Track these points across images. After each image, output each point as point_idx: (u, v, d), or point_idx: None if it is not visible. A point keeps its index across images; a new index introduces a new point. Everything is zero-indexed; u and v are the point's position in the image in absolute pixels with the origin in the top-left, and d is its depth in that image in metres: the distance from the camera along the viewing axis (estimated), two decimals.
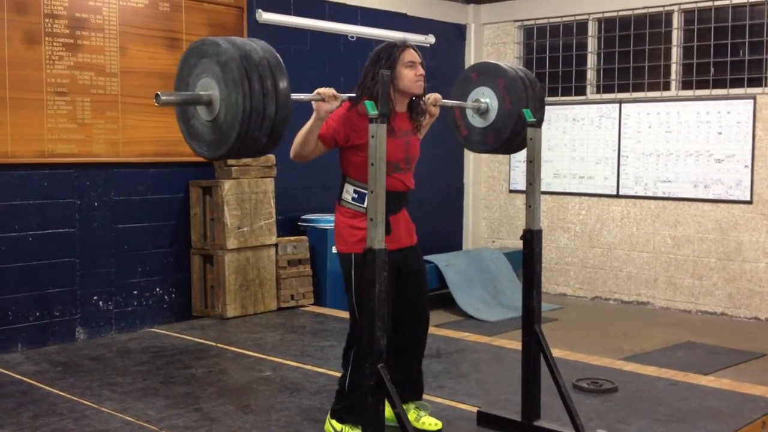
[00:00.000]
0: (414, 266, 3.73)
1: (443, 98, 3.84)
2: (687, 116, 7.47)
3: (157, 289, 6.23)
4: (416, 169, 3.76)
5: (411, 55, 3.57)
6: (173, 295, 6.33)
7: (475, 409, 4.07)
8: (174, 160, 6.23)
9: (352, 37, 7.42)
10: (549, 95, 8.23)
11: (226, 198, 6.21)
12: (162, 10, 6.09)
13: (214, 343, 5.57)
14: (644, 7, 7.69)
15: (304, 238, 6.84)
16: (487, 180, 8.96)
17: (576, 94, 8.24)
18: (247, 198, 6.35)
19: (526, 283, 3.80)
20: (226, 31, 6.30)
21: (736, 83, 7.23)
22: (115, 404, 4.25)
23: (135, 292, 6.08)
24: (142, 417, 4.06)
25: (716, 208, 7.34)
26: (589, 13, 8.09)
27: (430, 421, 3.84)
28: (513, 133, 3.91)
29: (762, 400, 4.34)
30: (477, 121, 4.01)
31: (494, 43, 8.79)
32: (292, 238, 6.78)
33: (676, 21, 7.56)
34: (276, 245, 6.58)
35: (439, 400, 4.24)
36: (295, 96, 2.99)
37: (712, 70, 7.36)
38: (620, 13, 7.88)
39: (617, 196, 7.95)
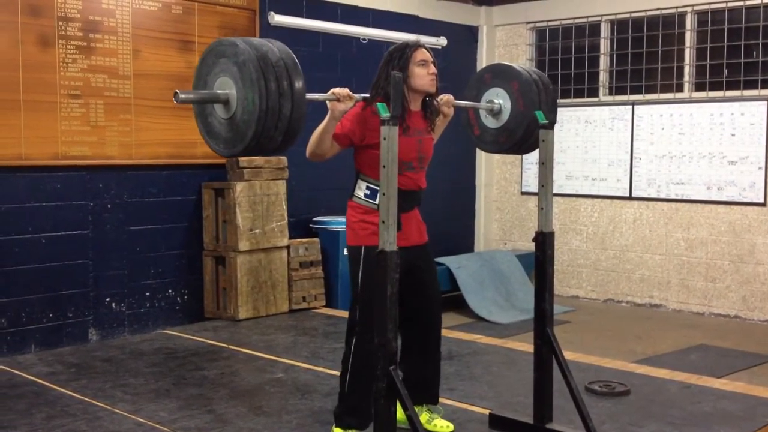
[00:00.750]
0: (424, 264, 3.74)
1: (455, 100, 3.85)
2: (700, 118, 7.44)
3: (170, 291, 6.25)
4: (428, 170, 3.77)
5: (423, 54, 3.60)
6: (185, 297, 6.35)
7: (487, 412, 4.07)
8: (186, 162, 6.25)
9: (364, 39, 7.42)
10: (561, 97, 8.21)
11: (238, 200, 6.22)
12: (175, 13, 6.11)
13: (226, 345, 5.58)
14: (657, 9, 7.67)
15: (316, 240, 6.85)
16: (499, 182, 8.95)
17: (588, 96, 8.22)
18: (259, 200, 6.36)
19: (539, 286, 3.79)
20: (238, 34, 6.32)
21: (750, 85, 7.19)
22: (127, 405, 4.27)
23: (147, 293, 6.11)
24: (155, 418, 4.07)
25: (729, 210, 7.31)
26: (601, 15, 8.06)
27: (442, 424, 3.84)
28: (525, 135, 3.92)
29: None
30: (490, 122, 4.03)
31: (506, 45, 8.78)
32: (303, 240, 6.79)
33: (689, 22, 7.53)
34: (288, 247, 6.59)
35: (450, 402, 4.23)
36: (310, 96, 3.03)
37: (726, 71, 7.33)
38: (633, 15, 7.85)
39: (630, 198, 7.92)
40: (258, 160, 6.35)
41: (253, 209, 6.32)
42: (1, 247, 5.35)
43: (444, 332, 3.93)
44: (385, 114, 2.96)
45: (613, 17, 8.02)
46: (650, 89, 7.80)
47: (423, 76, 3.58)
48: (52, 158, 5.52)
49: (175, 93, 2.81)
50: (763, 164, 7.11)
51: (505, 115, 3.95)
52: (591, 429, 3.53)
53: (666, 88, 7.71)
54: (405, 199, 3.38)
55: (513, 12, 8.66)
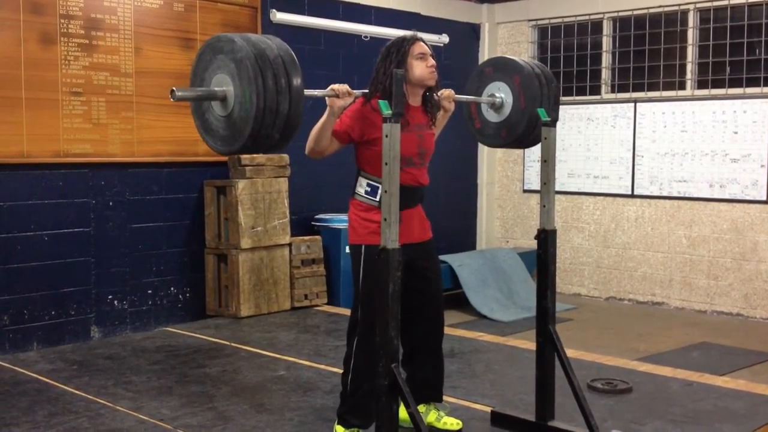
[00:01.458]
0: (427, 261, 3.73)
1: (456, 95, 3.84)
2: (702, 116, 7.43)
3: (172, 289, 6.25)
4: (430, 168, 3.76)
5: (421, 47, 3.58)
6: (187, 295, 6.36)
7: (489, 410, 4.07)
8: (188, 159, 6.25)
9: (366, 36, 7.42)
10: (563, 95, 8.20)
11: (240, 198, 6.22)
12: (176, 10, 6.11)
13: (228, 343, 5.58)
14: (659, 6, 7.65)
15: (318, 237, 6.85)
16: (501, 180, 8.94)
17: (590, 94, 8.21)
18: (261, 198, 6.36)
19: (540, 284, 3.79)
20: (240, 31, 6.20)
21: (752, 82, 7.18)
22: (129, 403, 4.27)
23: (149, 291, 6.11)
24: (157, 416, 4.07)
25: (732, 207, 7.30)
26: (603, 12, 8.06)
27: (451, 421, 3.85)
28: (526, 130, 3.91)
29: None
30: (491, 116, 4.00)
31: (508, 43, 8.77)
32: (305, 237, 6.79)
33: (692, 20, 7.52)
34: (290, 245, 6.59)
35: (453, 400, 4.23)
36: (309, 92, 3.01)
37: (728, 69, 7.31)
38: (635, 12, 7.84)
39: (632, 195, 7.92)
40: (260, 157, 6.35)
41: (255, 207, 6.32)
42: (4, 244, 5.35)
43: (446, 330, 3.92)
44: (386, 111, 2.95)
45: (615, 14, 8.01)
46: (652, 87, 7.79)
47: (422, 68, 3.56)
48: (54, 156, 5.52)
49: (172, 90, 2.79)
50: (765, 162, 7.10)
51: (507, 110, 3.93)
52: (593, 426, 3.53)
53: (668, 86, 7.69)
54: (406, 195, 3.36)
55: (515, 9, 8.65)
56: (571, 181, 8.31)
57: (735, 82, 7.28)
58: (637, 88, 7.88)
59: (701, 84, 7.51)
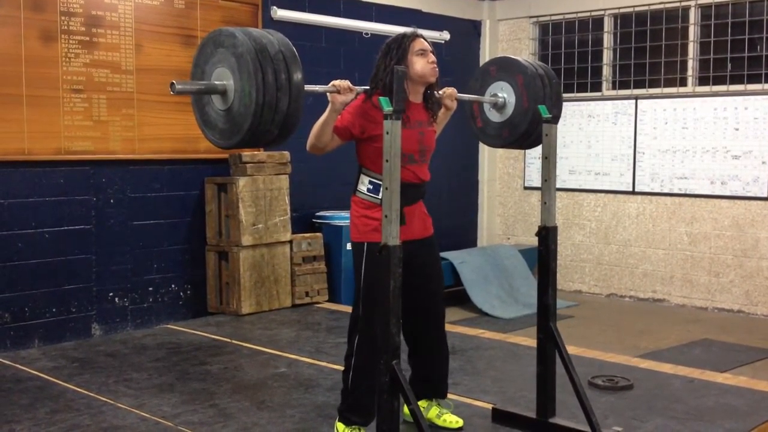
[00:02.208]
0: (428, 258, 3.73)
1: (458, 94, 3.84)
2: (704, 112, 7.42)
3: (173, 286, 6.26)
4: (431, 165, 3.75)
5: (421, 43, 3.57)
6: (188, 292, 6.36)
7: (490, 406, 4.07)
8: (189, 157, 6.25)
9: (367, 33, 7.41)
10: (564, 92, 8.18)
11: (241, 195, 6.22)
12: (177, 7, 6.10)
13: (229, 340, 5.58)
14: (660, 3, 7.65)
15: (319, 235, 6.84)
16: (502, 177, 8.94)
17: (592, 91, 8.20)
18: (262, 195, 6.36)
19: (542, 280, 3.79)
20: None
21: (754, 79, 7.18)
22: (130, 400, 4.27)
23: (150, 288, 6.11)
24: (158, 413, 4.08)
25: (733, 204, 7.29)
26: (604, 9, 8.05)
27: (451, 419, 3.84)
28: (528, 130, 3.90)
29: None
30: (493, 115, 4.00)
31: (509, 40, 8.76)
32: (306, 234, 6.78)
33: (693, 16, 7.51)
34: (291, 242, 6.59)
35: (454, 397, 4.23)
36: (310, 87, 3.00)
37: (729, 65, 7.31)
38: (636, 9, 7.83)
39: (633, 192, 7.91)
40: (261, 154, 6.35)
41: (256, 204, 6.32)
42: (5, 242, 5.35)
43: (447, 327, 3.92)
44: (387, 108, 2.94)
45: (616, 11, 8.00)
46: (653, 83, 7.78)
47: (422, 64, 3.55)
48: (54, 153, 5.52)
49: (172, 83, 2.79)
50: (766, 158, 7.09)
51: (509, 110, 3.93)
52: (594, 423, 3.53)
53: (669, 83, 7.69)
54: (408, 192, 3.35)
55: (516, 6, 8.65)
56: (572, 178, 8.31)
57: (736, 79, 7.27)
58: (638, 84, 7.88)
59: (702, 81, 7.50)
